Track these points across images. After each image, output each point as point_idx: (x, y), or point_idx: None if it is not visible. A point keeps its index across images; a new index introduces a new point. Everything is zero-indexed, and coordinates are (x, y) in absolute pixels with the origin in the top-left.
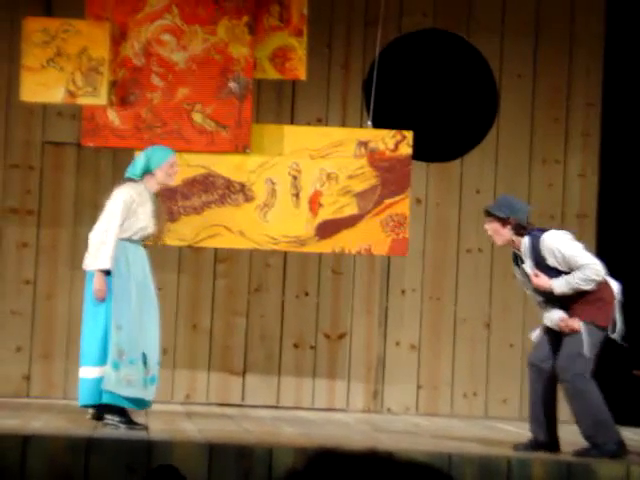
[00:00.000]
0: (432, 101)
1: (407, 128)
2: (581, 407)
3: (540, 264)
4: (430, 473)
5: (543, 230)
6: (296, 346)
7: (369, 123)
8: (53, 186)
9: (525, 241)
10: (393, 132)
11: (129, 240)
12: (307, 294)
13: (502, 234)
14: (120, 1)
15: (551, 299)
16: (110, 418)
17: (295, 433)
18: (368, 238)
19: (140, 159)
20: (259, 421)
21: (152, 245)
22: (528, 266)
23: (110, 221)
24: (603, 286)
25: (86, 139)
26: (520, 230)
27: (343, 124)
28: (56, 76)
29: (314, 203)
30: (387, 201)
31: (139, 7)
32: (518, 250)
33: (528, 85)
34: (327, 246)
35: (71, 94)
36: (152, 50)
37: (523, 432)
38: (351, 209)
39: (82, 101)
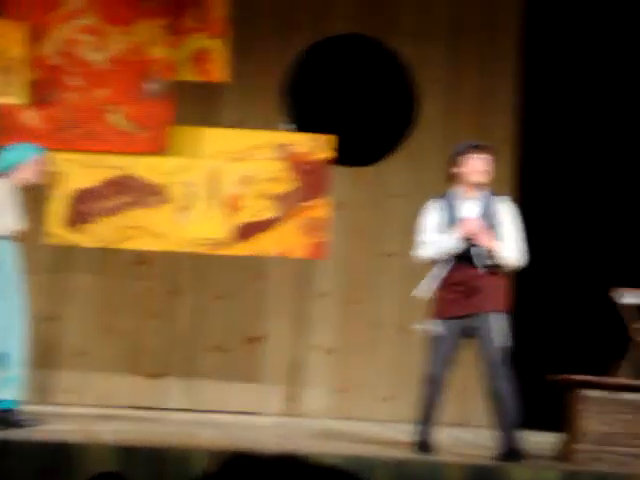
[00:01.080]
0: (352, 105)
1: (327, 132)
2: (508, 395)
3: (486, 219)
4: (343, 477)
5: None
6: (213, 349)
7: (289, 126)
8: None
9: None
10: (313, 136)
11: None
12: (224, 297)
13: (491, 170)
14: (37, 0)
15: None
16: None
17: (211, 436)
18: (287, 241)
19: (6, 154)
20: (175, 424)
21: (62, 247)
22: (471, 212)
23: None
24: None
25: (2, 139)
26: None
27: (263, 127)
28: None
29: (233, 206)
30: (306, 204)
31: (57, 6)
32: (468, 194)
33: (447, 90)
34: (245, 249)
35: None
36: (70, 50)
37: (438, 435)
38: (270, 212)
39: None
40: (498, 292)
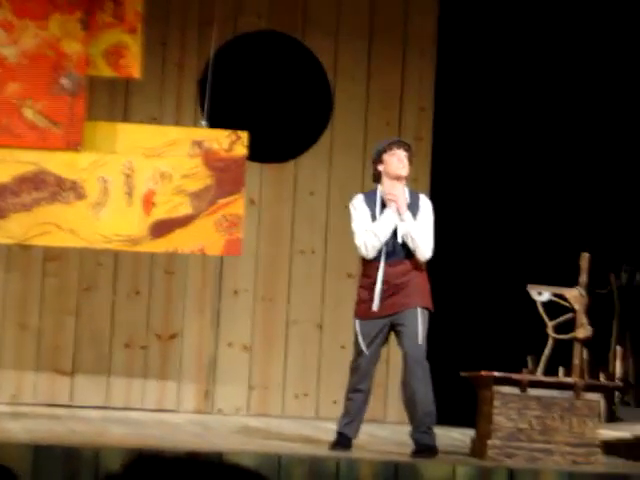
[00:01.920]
0: (267, 102)
1: (242, 128)
2: (426, 391)
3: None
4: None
5: None
6: (127, 346)
7: (204, 123)
8: None
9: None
10: (228, 132)
11: None
12: (138, 293)
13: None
14: None
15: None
16: None
17: (124, 434)
18: (202, 238)
19: None
20: (88, 422)
21: None
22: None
23: None
24: (427, 275)
25: None
26: None
27: (177, 123)
28: None
29: (147, 202)
30: (221, 201)
31: None
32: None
33: (362, 87)
34: (160, 246)
35: None
36: None
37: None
38: (185, 209)
39: None
40: (421, 288)
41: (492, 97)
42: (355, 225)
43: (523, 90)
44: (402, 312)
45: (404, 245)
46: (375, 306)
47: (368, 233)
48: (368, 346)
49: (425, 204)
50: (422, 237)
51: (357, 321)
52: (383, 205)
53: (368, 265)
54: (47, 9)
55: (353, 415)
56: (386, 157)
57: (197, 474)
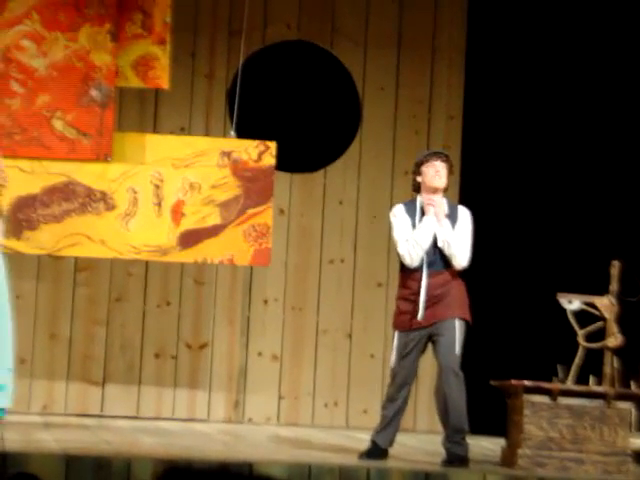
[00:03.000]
0: (296, 112)
1: (270, 139)
2: (460, 401)
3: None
4: None
5: None
6: (157, 356)
7: (232, 133)
8: None
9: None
10: (256, 142)
11: None
12: (169, 304)
13: (447, 178)
14: None
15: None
16: None
17: (154, 444)
18: (230, 248)
19: None
20: (118, 432)
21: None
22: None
23: None
24: (464, 286)
25: None
26: None
27: (206, 133)
28: None
29: (176, 212)
30: (250, 211)
31: None
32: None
33: (391, 97)
34: (189, 256)
35: None
36: (11, 56)
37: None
38: (214, 219)
39: None
40: (460, 299)
41: (521, 105)
42: (397, 234)
43: (552, 98)
44: (441, 322)
45: (443, 256)
46: (420, 316)
47: (410, 242)
48: (405, 357)
49: (464, 214)
50: (459, 244)
51: (396, 333)
52: (423, 214)
53: (407, 276)
54: (77, 21)
55: (387, 424)
56: (424, 168)
57: None
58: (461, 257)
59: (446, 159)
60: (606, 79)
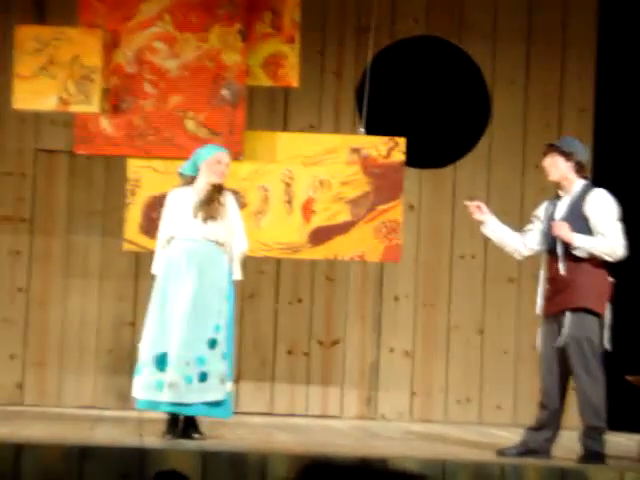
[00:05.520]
0: (425, 107)
1: (400, 135)
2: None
3: (574, 214)
4: None
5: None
6: (290, 353)
7: (362, 130)
8: (46, 194)
9: (578, 183)
10: (386, 139)
11: (176, 239)
12: (300, 301)
13: (560, 168)
14: (112, 9)
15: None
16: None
17: (289, 440)
18: (361, 245)
19: (191, 157)
20: (253, 428)
21: (139, 253)
22: (562, 209)
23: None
24: (604, 273)
25: (79, 147)
26: (580, 170)
27: (336, 131)
28: (48, 84)
29: (307, 210)
30: (380, 207)
31: (131, 15)
32: (561, 192)
33: (520, 91)
34: (320, 253)
35: (63, 102)
36: (144, 58)
37: (516, 438)
38: (344, 216)
39: (74, 109)
40: (586, 287)
41: None
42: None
43: None
44: (564, 312)
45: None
46: (547, 305)
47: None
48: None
49: (595, 202)
50: (595, 245)
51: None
52: (552, 210)
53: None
54: (207, 22)
55: (536, 426)
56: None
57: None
58: (601, 254)
59: (546, 151)
60: None
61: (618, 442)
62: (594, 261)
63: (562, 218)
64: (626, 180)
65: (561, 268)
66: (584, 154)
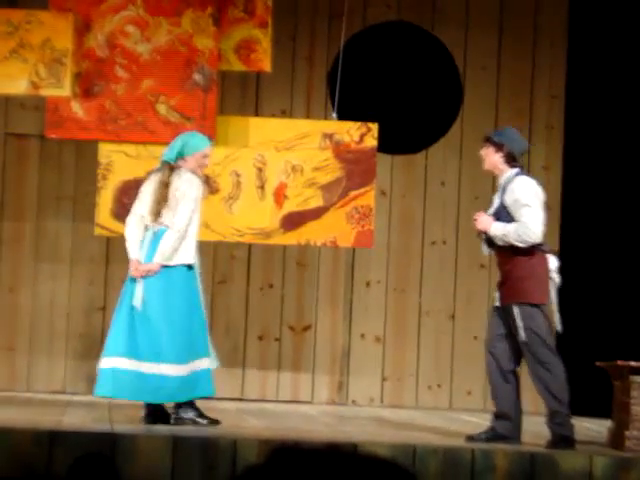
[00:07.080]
0: (397, 93)
1: (372, 120)
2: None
3: (500, 204)
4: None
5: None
6: (261, 338)
7: (334, 115)
8: (16, 178)
9: (508, 174)
10: (358, 124)
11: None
12: (272, 286)
13: (490, 159)
14: None
15: (495, 249)
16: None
17: (260, 425)
18: (333, 230)
19: (176, 143)
20: (224, 413)
21: (110, 238)
22: (495, 201)
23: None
24: (538, 261)
25: (50, 131)
26: (510, 160)
27: (308, 116)
28: (19, 67)
29: (279, 195)
30: (352, 193)
31: None
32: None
33: (492, 77)
34: (292, 238)
35: (34, 85)
36: (116, 42)
37: (486, 424)
38: (316, 201)
39: (45, 92)
40: (523, 280)
41: (625, 84)
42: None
43: None
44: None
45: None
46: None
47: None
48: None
49: (516, 187)
50: (507, 233)
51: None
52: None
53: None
54: (180, 6)
55: (498, 415)
56: None
57: (334, 465)
58: (514, 241)
59: (483, 143)
60: None
61: (588, 427)
62: (529, 250)
63: (493, 209)
64: (597, 165)
65: (499, 261)
66: (518, 145)
